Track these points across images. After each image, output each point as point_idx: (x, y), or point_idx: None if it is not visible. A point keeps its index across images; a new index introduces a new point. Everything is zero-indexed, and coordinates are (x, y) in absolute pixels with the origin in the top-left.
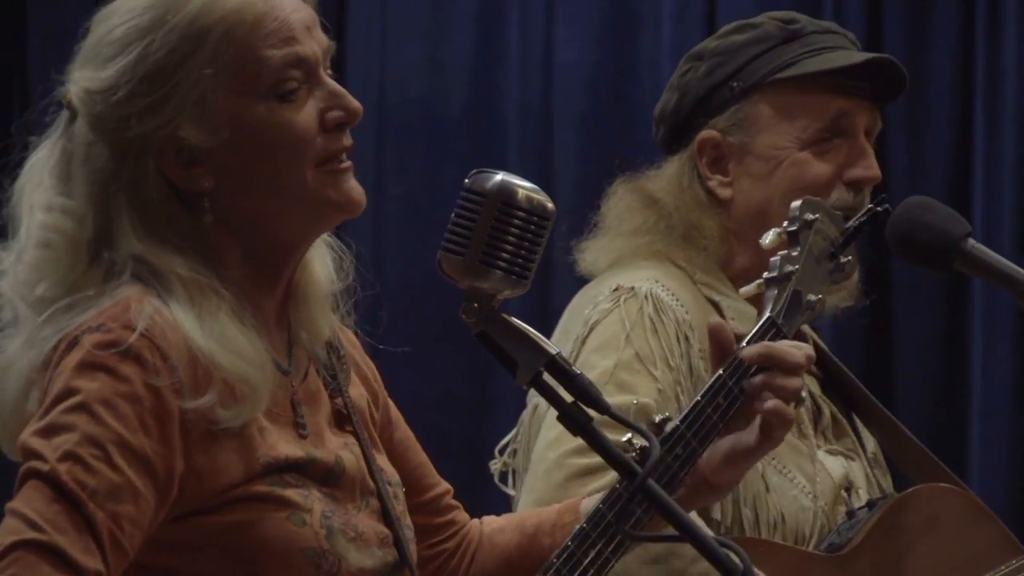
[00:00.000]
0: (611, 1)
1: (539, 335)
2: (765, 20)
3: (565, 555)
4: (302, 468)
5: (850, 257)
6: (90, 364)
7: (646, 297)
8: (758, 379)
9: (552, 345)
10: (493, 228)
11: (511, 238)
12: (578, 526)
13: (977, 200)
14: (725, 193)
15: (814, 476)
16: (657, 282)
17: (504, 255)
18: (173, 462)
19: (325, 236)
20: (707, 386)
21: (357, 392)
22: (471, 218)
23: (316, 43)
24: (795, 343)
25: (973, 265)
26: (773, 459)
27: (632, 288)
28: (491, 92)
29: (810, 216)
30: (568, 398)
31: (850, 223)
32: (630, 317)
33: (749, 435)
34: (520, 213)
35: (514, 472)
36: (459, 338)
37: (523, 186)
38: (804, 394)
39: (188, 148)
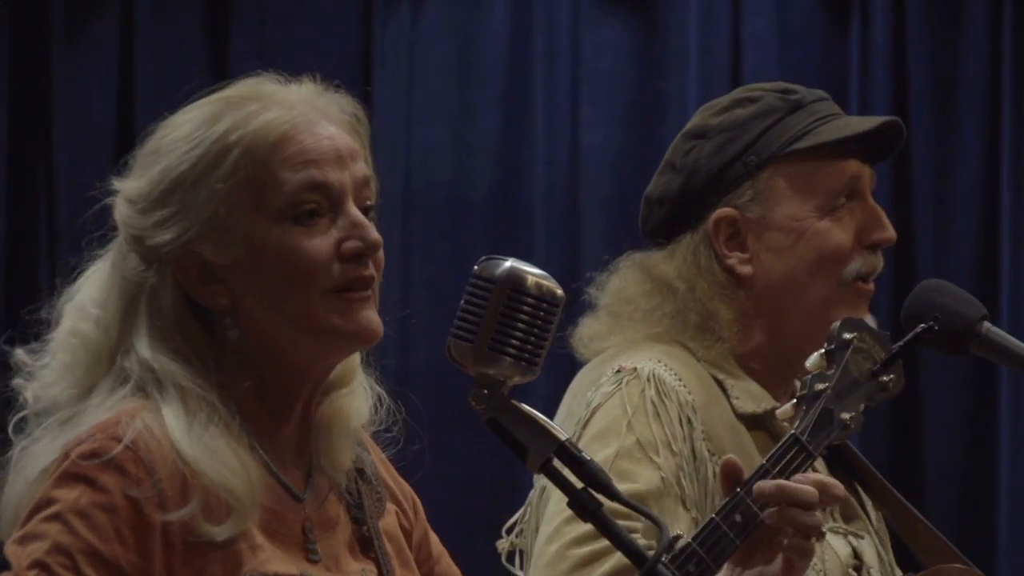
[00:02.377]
0: (637, 82)
1: (549, 421)
2: (763, 93)
3: None
4: None
5: (893, 376)
6: (71, 475)
7: (648, 379)
8: (777, 513)
9: (561, 431)
10: (502, 315)
11: (520, 325)
12: None
13: (1004, 278)
14: (745, 270)
15: (822, 555)
16: (660, 361)
17: (513, 342)
18: (151, 573)
19: (365, 381)
20: (723, 504)
21: (390, 522)
22: (480, 305)
23: (348, 173)
24: (815, 478)
25: (989, 348)
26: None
27: (635, 369)
28: (517, 174)
29: (847, 336)
30: (578, 483)
31: (896, 344)
32: (632, 401)
33: (775, 568)
34: (529, 300)
35: (521, 552)
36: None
37: (532, 273)
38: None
39: (208, 264)
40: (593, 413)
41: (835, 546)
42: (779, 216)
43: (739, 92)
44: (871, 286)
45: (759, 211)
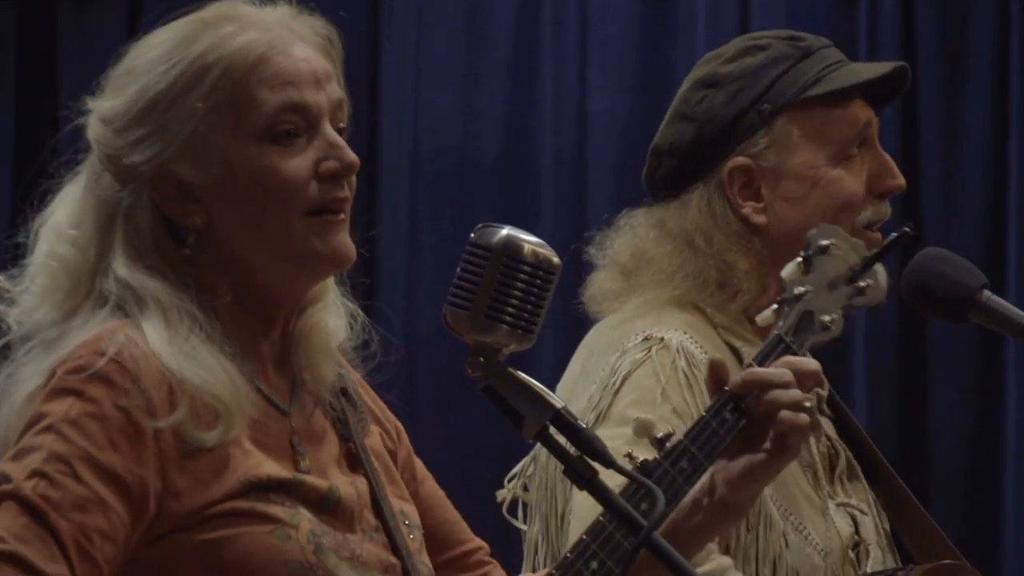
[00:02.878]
0: (644, 48)
1: (545, 389)
2: (770, 40)
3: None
4: (289, 489)
5: (871, 281)
6: (59, 389)
7: (678, 350)
8: (758, 398)
9: (557, 399)
10: (499, 283)
11: (517, 292)
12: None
13: (1011, 246)
14: (759, 219)
15: (825, 532)
16: (685, 333)
17: (510, 309)
18: (147, 480)
19: (338, 297)
20: (712, 403)
21: (375, 442)
22: (477, 272)
23: (324, 95)
24: (785, 359)
25: (988, 317)
26: (791, 515)
27: (662, 339)
28: (525, 141)
29: (824, 242)
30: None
31: (871, 252)
32: (664, 371)
33: (759, 455)
34: (526, 268)
35: (525, 505)
36: None
37: (529, 240)
38: (823, 439)
39: (185, 184)
40: (624, 381)
41: (838, 524)
42: (794, 164)
43: (744, 41)
44: (879, 235)
45: (774, 159)
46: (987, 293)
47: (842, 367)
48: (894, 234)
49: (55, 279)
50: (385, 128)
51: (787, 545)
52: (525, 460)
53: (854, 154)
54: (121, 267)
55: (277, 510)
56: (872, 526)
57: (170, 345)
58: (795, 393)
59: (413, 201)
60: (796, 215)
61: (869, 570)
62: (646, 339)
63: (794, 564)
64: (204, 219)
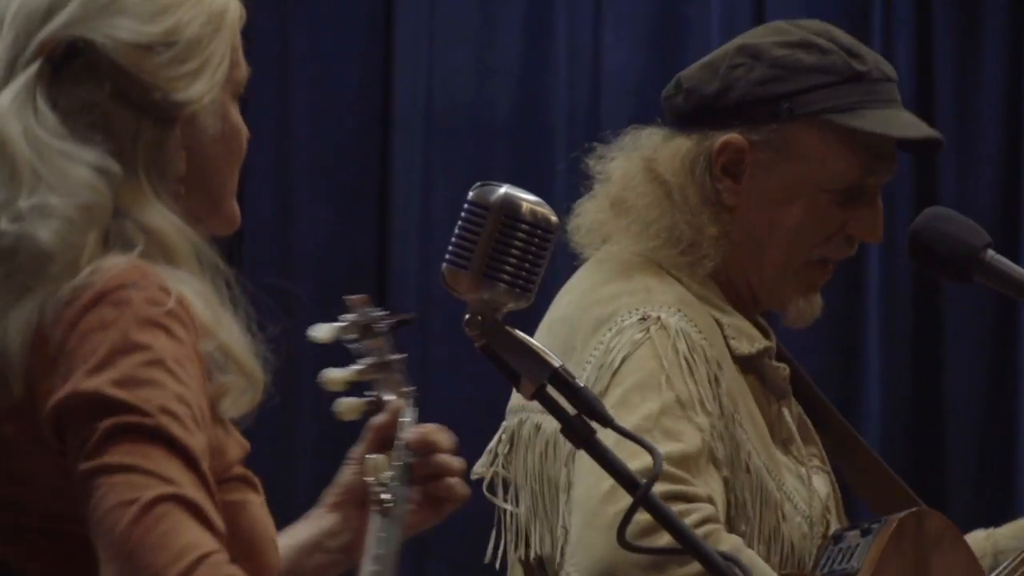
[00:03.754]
0: (659, 6)
1: (543, 347)
2: (833, 47)
3: None
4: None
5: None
6: (148, 320)
7: (677, 332)
8: (425, 461)
9: (555, 358)
10: (496, 241)
11: (515, 251)
12: None
13: None
14: (731, 200)
15: (809, 500)
16: (680, 311)
17: (508, 268)
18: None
19: None
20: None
21: None
22: (474, 231)
23: None
24: (441, 428)
25: (992, 276)
26: (784, 485)
27: (659, 319)
28: (539, 97)
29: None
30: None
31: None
32: (666, 354)
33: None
34: (524, 226)
35: (505, 482)
36: None
37: (527, 199)
38: (794, 410)
39: (186, 126)
40: (623, 361)
41: (817, 487)
42: (785, 171)
43: (813, 32)
44: (830, 269)
45: (770, 156)
46: (991, 252)
47: (856, 324)
48: (400, 317)
49: (91, 211)
50: (399, 84)
51: (783, 517)
52: (497, 438)
53: (843, 191)
54: (147, 208)
55: (255, 481)
56: (830, 483)
57: (216, 315)
58: (461, 463)
59: (426, 157)
60: (764, 217)
61: (834, 527)
62: (643, 319)
63: (789, 535)
64: (184, 169)
